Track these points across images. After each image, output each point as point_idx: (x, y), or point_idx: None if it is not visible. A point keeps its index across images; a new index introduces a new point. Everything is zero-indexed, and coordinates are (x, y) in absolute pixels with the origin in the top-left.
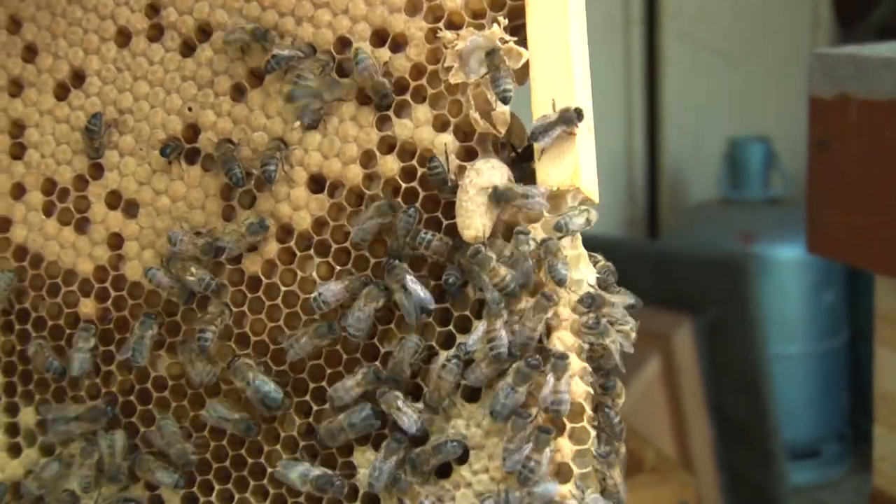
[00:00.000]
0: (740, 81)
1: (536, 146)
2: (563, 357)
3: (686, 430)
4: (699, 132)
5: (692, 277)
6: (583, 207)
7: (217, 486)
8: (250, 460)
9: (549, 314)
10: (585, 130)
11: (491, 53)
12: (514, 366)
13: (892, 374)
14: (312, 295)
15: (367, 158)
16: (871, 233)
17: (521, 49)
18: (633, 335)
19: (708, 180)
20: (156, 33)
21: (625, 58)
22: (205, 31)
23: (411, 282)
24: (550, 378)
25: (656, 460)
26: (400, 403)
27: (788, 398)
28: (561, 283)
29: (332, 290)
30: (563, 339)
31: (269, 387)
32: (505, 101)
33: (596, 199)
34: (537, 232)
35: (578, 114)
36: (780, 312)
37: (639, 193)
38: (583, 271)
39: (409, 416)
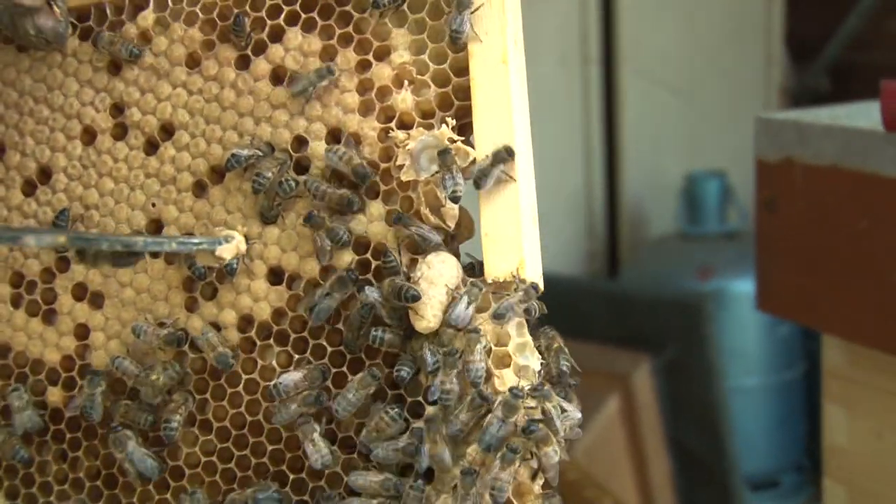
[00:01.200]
0: (696, 117)
1: (480, 192)
2: (514, 451)
3: (646, 467)
4: (657, 167)
5: (650, 317)
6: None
7: None
8: None
9: (484, 342)
10: (529, 222)
11: (442, 154)
12: (501, 398)
13: (839, 429)
14: (272, 383)
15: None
16: (818, 293)
17: (469, 149)
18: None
19: (666, 214)
20: (120, 132)
21: (583, 95)
22: (167, 130)
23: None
24: (497, 464)
25: None
26: (315, 436)
27: (747, 430)
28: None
29: (292, 378)
30: None
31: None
32: (455, 199)
33: (541, 287)
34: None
35: (508, 151)
36: (737, 345)
37: (599, 227)
38: (528, 359)
39: (319, 450)
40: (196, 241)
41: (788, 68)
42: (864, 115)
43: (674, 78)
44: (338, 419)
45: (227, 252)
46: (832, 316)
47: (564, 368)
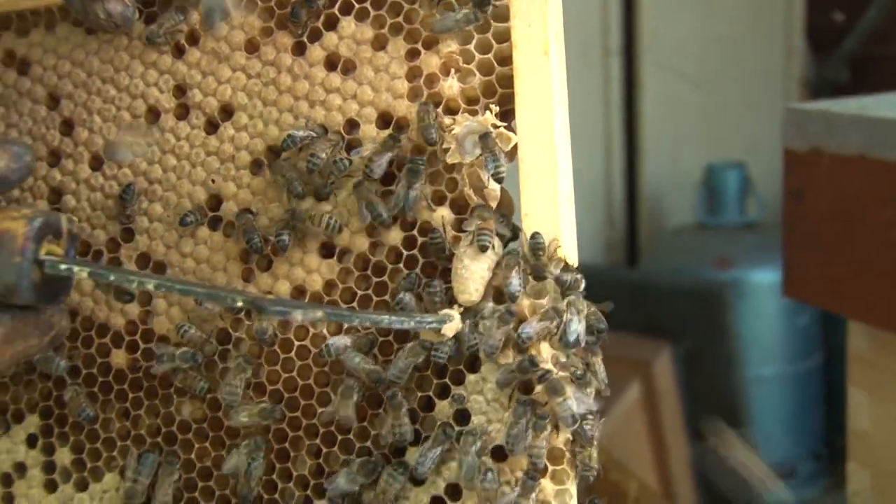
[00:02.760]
0: (716, 109)
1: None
2: (543, 417)
3: (666, 453)
4: (676, 158)
5: (670, 306)
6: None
7: None
8: (266, 496)
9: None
10: (566, 203)
11: (484, 137)
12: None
13: (864, 413)
14: (323, 345)
15: (372, 228)
16: (843, 281)
17: (511, 134)
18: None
19: (686, 205)
20: (182, 112)
21: (603, 87)
22: (227, 111)
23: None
24: (529, 433)
25: (639, 492)
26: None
27: (764, 419)
28: (513, 297)
29: (341, 343)
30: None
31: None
32: (499, 181)
33: (575, 265)
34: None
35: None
36: (756, 335)
37: (618, 218)
38: None
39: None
40: (430, 319)
41: (808, 60)
42: (890, 105)
43: (694, 69)
44: (391, 384)
45: (449, 330)
46: (857, 302)
47: (601, 325)
